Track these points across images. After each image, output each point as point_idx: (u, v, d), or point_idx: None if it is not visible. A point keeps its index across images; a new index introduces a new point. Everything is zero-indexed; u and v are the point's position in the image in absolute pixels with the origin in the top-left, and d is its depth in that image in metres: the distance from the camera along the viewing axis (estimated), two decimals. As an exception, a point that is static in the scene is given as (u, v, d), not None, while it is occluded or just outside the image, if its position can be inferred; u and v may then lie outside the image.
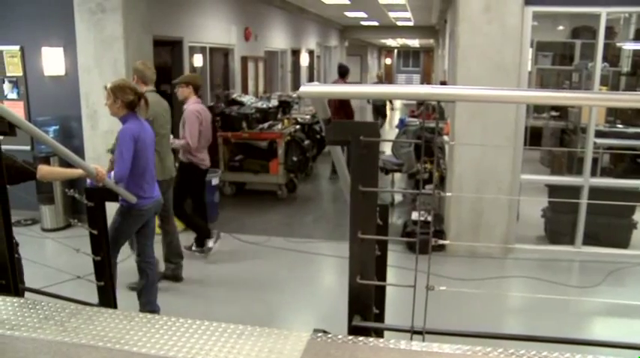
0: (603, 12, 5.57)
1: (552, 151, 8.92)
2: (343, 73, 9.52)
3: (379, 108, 14.18)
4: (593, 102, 2.53)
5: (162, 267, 5.32)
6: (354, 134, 1.89)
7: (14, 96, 6.90)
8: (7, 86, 6.91)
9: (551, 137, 9.41)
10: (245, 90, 11.27)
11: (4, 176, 2.24)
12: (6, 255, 2.22)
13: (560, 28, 10.00)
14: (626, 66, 9.15)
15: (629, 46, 9.03)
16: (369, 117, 15.46)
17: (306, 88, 1.99)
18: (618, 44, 9.06)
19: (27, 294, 2.98)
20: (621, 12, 7.58)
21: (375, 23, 21.51)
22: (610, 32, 7.77)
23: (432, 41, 25.78)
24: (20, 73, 6.86)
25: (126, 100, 3.98)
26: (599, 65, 5.78)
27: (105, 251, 3.24)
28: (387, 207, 2.34)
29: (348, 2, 14.30)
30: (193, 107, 5.65)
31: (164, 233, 5.43)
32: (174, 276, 5.41)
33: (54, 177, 4.27)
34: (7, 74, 6.88)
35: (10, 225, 2.28)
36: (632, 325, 4.60)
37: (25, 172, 3.49)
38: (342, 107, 8.81)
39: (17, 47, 6.78)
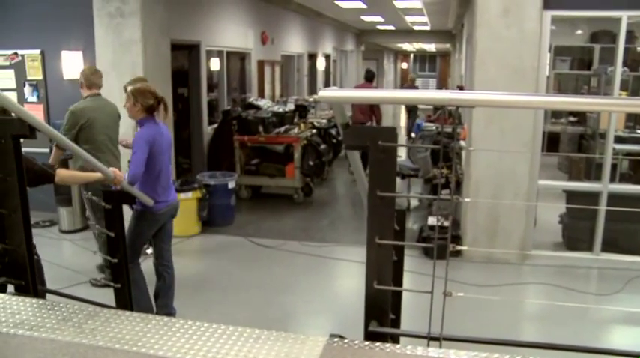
0: (624, 16, 5.52)
1: (570, 157, 8.83)
2: (370, 78, 10.02)
3: (412, 108, 15.10)
4: (612, 107, 2.49)
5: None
6: (372, 139, 1.88)
7: (34, 99, 6.99)
8: (27, 89, 7.01)
9: (569, 142, 9.30)
10: (261, 94, 11.30)
11: (24, 178, 2.27)
12: (25, 256, 2.24)
13: (579, 32, 9.90)
14: (646, 71, 9.03)
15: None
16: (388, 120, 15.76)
17: (324, 93, 1.98)
18: (639, 48, 8.94)
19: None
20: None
21: (392, 27, 21.47)
22: (630, 36, 7.67)
23: (448, 46, 25.67)
24: (40, 77, 6.96)
25: (145, 104, 4.02)
26: (619, 70, 5.71)
27: (122, 253, 3.26)
28: (404, 212, 2.32)
29: (365, 6, 14.28)
30: None
31: None
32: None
33: (72, 180, 4.30)
34: (28, 77, 6.99)
35: (30, 226, 2.30)
36: (652, 334, 4.54)
37: (43, 175, 3.52)
38: (372, 110, 9.45)
39: (38, 51, 6.89)
